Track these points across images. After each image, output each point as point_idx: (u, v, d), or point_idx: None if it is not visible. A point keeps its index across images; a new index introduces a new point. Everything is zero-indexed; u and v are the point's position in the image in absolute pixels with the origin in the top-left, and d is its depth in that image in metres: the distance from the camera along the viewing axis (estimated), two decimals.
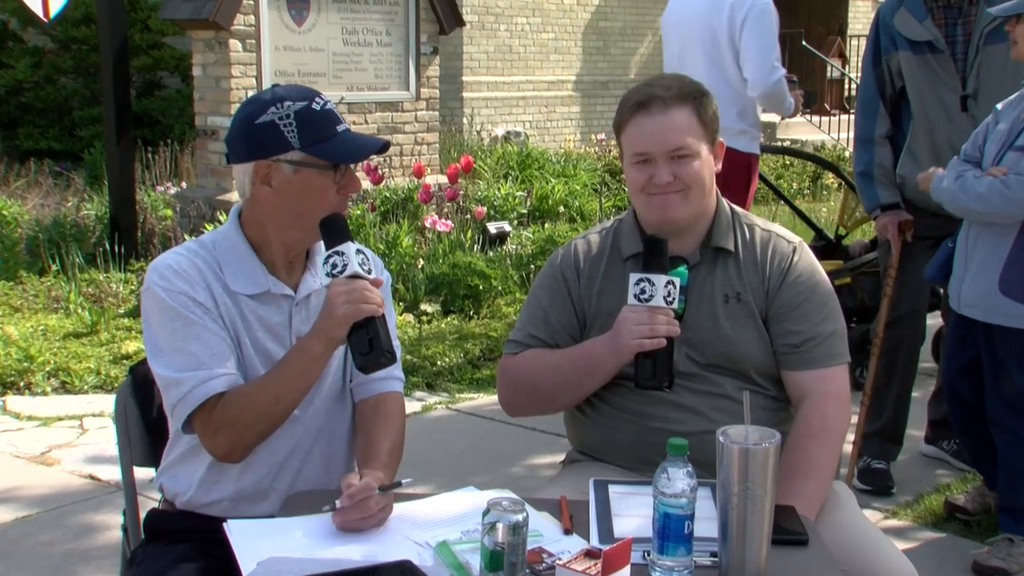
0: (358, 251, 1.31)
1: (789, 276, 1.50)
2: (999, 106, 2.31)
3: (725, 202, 1.56)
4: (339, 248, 1.30)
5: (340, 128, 1.36)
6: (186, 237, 4.63)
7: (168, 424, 1.43)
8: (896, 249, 2.64)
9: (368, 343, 1.27)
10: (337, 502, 1.22)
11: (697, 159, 1.47)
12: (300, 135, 1.33)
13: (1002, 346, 2.24)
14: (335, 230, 1.32)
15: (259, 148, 1.35)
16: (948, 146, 2.53)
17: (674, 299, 1.39)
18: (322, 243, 1.41)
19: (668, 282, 1.39)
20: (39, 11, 4.93)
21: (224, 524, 1.24)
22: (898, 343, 2.71)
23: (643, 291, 1.39)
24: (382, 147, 1.38)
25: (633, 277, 1.40)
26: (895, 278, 2.67)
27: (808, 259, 1.54)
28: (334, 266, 1.29)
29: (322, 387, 1.42)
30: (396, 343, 1.48)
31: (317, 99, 1.36)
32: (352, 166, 1.39)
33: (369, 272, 1.31)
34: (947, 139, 2.54)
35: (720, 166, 1.53)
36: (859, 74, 2.91)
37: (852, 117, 2.86)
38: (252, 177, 1.36)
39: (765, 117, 10.98)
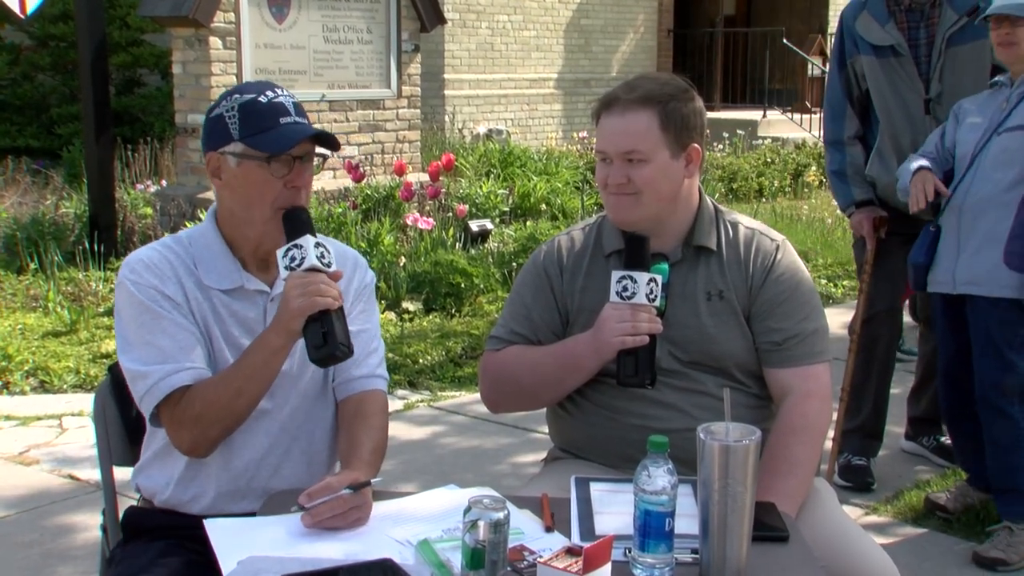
0: (317, 244, 1.31)
1: (772, 274, 1.51)
2: (965, 103, 2.36)
3: (709, 200, 1.56)
4: (297, 241, 1.30)
5: (285, 120, 1.35)
6: (166, 235, 4.58)
7: (146, 423, 1.42)
8: (871, 246, 2.67)
9: (322, 336, 1.26)
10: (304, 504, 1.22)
11: (650, 164, 1.47)
12: (241, 127, 1.34)
13: (994, 322, 2.28)
14: (295, 224, 1.32)
15: (209, 140, 1.37)
16: (912, 149, 2.56)
17: (656, 296, 1.40)
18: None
19: (650, 280, 1.39)
20: (16, 7, 4.88)
21: (204, 522, 1.24)
22: (875, 339, 2.74)
23: (625, 289, 1.39)
24: (317, 135, 1.36)
25: (615, 275, 1.41)
26: (871, 275, 2.70)
27: (791, 257, 1.55)
28: (292, 259, 1.30)
29: (299, 385, 1.41)
30: (380, 343, 1.49)
31: (268, 92, 1.36)
32: (319, 160, 1.38)
33: (329, 265, 1.31)
34: (911, 142, 2.57)
35: (697, 171, 1.52)
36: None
37: None
38: (208, 169, 1.38)
39: (745, 115, 11.00)
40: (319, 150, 1.39)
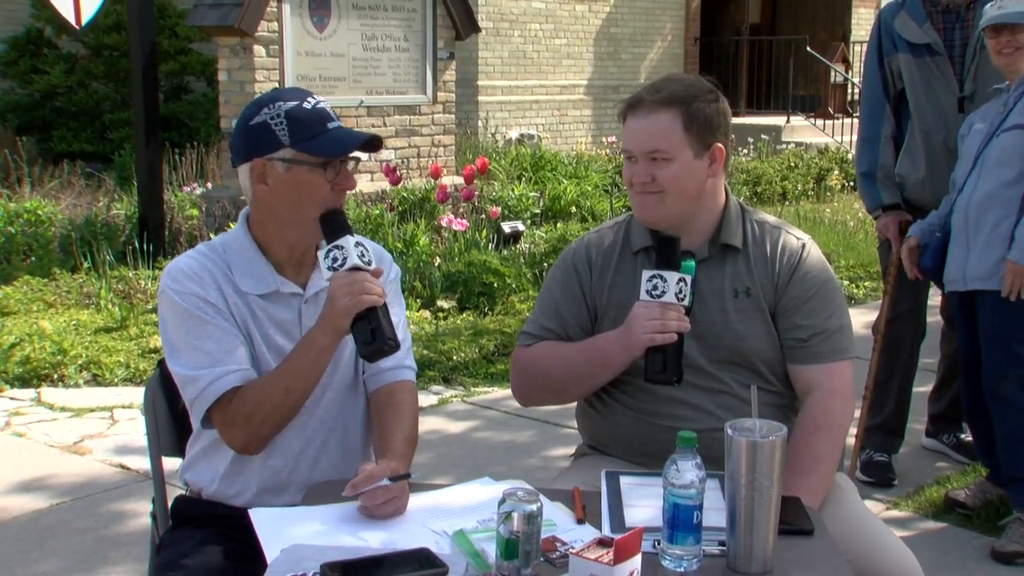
0: (357, 244, 1.34)
1: (798, 271, 1.52)
2: (973, 115, 2.42)
3: (734, 199, 1.57)
4: (338, 242, 1.33)
5: (331, 125, 1.38)
6: (211, 236, 4.72)
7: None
8: (896, 248, 2.70)
9: (371, 332, 1.30)
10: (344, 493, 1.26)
11: (674, 164, 1.48)
12: (291, 133, 1.36)
13: (1000, 315, 2.32)
14: (334, 225, 1.35)
15: (254, 147, 1.39)
16: (944, 147, 2.61)
17: (685, 296, 1.42)
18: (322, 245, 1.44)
19: (680, 279, 1.42)
20: (71, 18, 5.02)
21: (248, 511, 1.28)
22: (899, 339, 2.77)
23: (655, 287, 1.42)
24: (368, 140, 1.39)
25: (646, 274, 1.43)
26: (896, 276, 2.72)
27: (817, 255, 1.56)
28: (334, 260, 1.32)
29: (333, 380, 1.44)
30: (407, 334, 1.50)
31: (309, 99, 1.39)
32: (353, 164, 1.40)
33: (369, 264, 1.34)
34: (943, 140, 2.61)
35: (721, 170, 1.53)
36: (860, 77, 2.97)
37: (854, 120, 2.92)
38: (250, 177, 1.39)
39: (770, 120, 10.98)
40: (354, 153, 1.42)
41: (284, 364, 1.38)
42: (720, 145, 1.52)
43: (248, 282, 1.41)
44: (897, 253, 2.70)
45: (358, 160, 1.44)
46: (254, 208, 1.44)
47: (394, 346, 1.32)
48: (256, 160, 1.39)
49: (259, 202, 1.42)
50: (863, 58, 2.79)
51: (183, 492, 1.53)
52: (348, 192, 1.42)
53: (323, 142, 1.37)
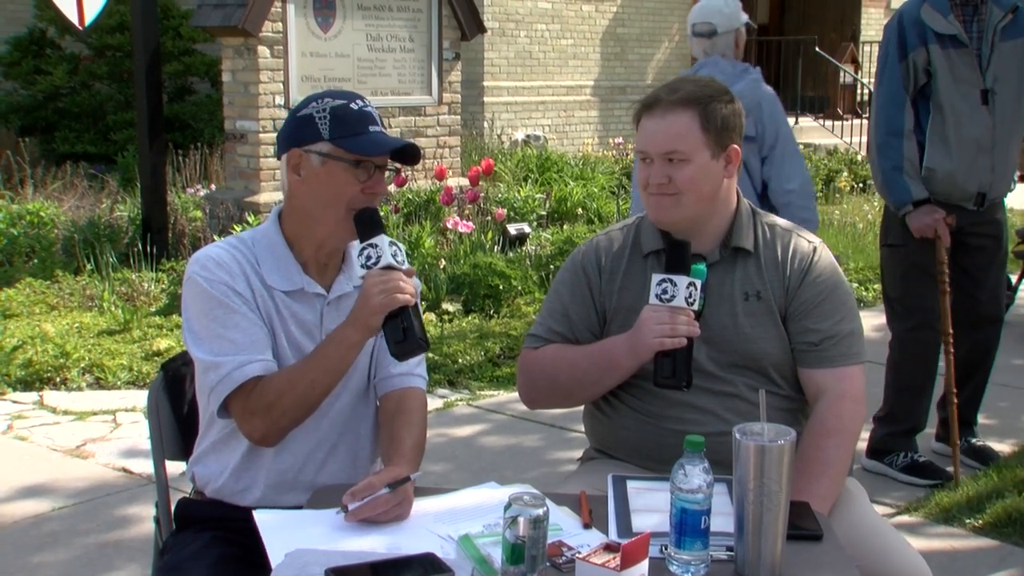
0: (391, 243, 1.35)
1: (809, 275, 1.52)
2: None
3: (746, 202, 1.57)
4: (373, 241, 1.34)
5: (373, 128, 1.40)
6: (215, 238, 4.71)
7: (199, 417, 1.48)
8: (948, 243, 2.64)
9: (402, 331, 1.31)
10: (348, 504, 1.26)
11: (691, 164, 1.48)
12: (331, 128, 1.38)
13: None
14: (369, 223, 1.36)
15: (294, 138, 1.41)
16: (973, 140, 2.62)
17: (695, 300, 1.41)
18: (355, 244, 1.44)
19: (689, 283, 1.41)
20: (74, 19, 5.04)
21: (253, 513, 1.28)
22: (925, 344, 2.77)
23: (665, 291, 1.41)
24: (405, 147, 1.40)
25: (655, 278, 1.43)
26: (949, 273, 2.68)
27: (828, 259, 1.55)
28: (368, 258, 1.33)
29: (349, 383, 1.45)
30: None
31: (358, 100, 1.41)
32: (386, 171, 1.42)
33: (402, 263, 1.35)
34: (970, 132, 2.63)
35: (736, 171, 1.53)
36: (872, 78, 2.92)
37: (864, 121, 2.92)
38: (287, 166, 1.41)
39: None
40: (393, 164, 1.43)
41: (311, 358, 1.38)
42: (736, 146, 1.52)
43: (275, 277, 1.42)
44: (946, 250, 2.64)
45: (397, 170, 1.44)
46: (287, 201, 1.45)
47: (425, 346, 1.33)
48: (294, 150, 1.40)
49: (292, 194, 1.43)
50: (879, 56, 2.76)
51: (186, 495, 1.53)
52: (380, 199, 1.42)
53: (360, 141, 1.38)
